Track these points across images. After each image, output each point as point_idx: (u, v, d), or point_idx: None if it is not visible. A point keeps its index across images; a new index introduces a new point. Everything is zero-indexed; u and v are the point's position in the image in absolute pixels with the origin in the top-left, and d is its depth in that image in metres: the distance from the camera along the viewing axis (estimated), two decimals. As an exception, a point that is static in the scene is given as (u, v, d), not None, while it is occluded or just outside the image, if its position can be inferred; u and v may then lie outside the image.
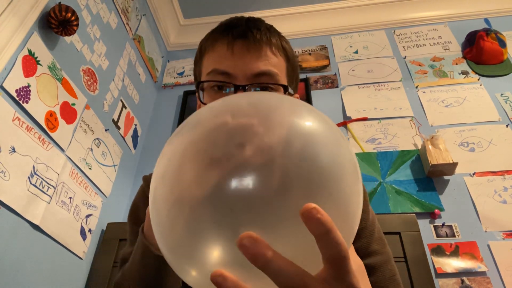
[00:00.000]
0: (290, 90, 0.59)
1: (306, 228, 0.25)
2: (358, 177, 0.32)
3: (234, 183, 0.27)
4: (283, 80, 0.58)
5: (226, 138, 0.30)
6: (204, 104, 0.57)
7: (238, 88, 0.54)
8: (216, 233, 0.28)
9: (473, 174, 1.61)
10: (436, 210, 1.51)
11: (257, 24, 0.58)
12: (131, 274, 0.52)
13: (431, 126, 1.81)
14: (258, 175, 0.28)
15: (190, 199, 0.29)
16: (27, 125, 1.12)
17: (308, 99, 2.01)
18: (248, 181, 0.27)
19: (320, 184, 0.28)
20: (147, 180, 0.70)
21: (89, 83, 1.51)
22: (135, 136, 1.91)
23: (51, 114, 1.24)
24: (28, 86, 1.15)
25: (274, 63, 0.56)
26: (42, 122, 1.19)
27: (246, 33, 0.55)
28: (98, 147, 1.52)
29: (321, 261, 0.27)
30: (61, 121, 1.29)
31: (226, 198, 0.27)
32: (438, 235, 1.47)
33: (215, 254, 0.28)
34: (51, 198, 1.19)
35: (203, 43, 0.62)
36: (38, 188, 1.14)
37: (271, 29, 0.60)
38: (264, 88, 0.56)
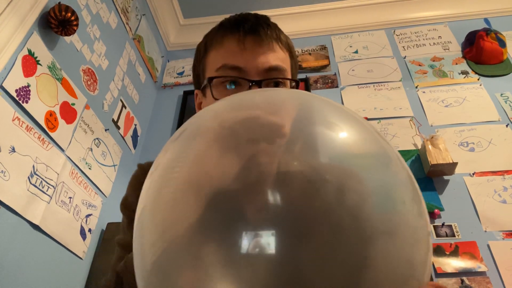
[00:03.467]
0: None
1: None
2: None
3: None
4: (289, 76, 0.58)
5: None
6: (216, 99, 0.53)
7: (251, 84, 0.53)
8: None
9: (473, 174, 1.61)
10: (436, 210, 1.51)
11: (266, 20, 0.58)
12: None
13: (431, 126, 1.81)
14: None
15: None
16: (27, 125, 1.12)
17: (308, 99, 2.01)
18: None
19: None
20: (143, 168, 0.66)
21: (89, 83, 1.51)
22: (135, 136, 1.91)
23: (51, 114, 1.24)
24: (28, 86, 1.15)
25: (282, 59, 0.56)
26: (42, 122, 1.19)
27: (257, 28, 0.55)
28: (98, 147, 1.52)
29: None
30: (61, 121, 1.29)
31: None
32: (438, 235, 1.47)
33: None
34: (51, 198, 1.19)
35: (208, 39, 0.60)
36: (38, 188, 1.14)
37: (277, 26, 0.60)
38: (276, 83, 0.55)
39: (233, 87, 0.54)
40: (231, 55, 0.54)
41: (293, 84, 0.58)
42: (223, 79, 0.54)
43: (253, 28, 0.55)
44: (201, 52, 0.62)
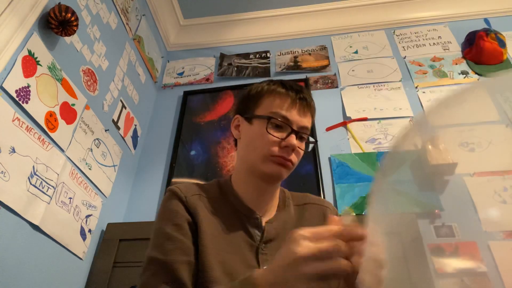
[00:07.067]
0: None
1: None
2: None
3: None
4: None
5: None
6: (269, 133, 0.74)
7: (293, 131, 0.74)
8: None
9: (473, 174, 1.61)
10: (436, 210, 1.51)
11: (309, 92, 0.82)
12: None
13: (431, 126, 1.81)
14: None
15: None
16: (27, 126, 1.13)
17: (308, 99, 2.01)
18: None
19: None
20: (176, 193, 0.75)
21: (89, 83, 1.51)
22: (135, 136, 1.91)
23: (51, 114, 1.24)
24: (28, 86, 1.15)
25: (311, 122, 0.80)
26: (42, 123, 1.19)
27: (306, 97, 0.78)
28: (98, 148, 1.52)
29: None
30: (61, 122, 1.29)
31: None
32: (437, 235, 1.46)
33: None
34: (51, 198, 1.19)
35: (264, 87, 0.80)
36: (38, 189, 1.14)
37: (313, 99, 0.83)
38: (301, 137, 0.78)
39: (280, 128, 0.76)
40: (285, 107, 0.76)
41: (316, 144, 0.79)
42: (276, 121, 0.75)
43: (303, 97, 0.78)
44: (259, 90, 0.81)
